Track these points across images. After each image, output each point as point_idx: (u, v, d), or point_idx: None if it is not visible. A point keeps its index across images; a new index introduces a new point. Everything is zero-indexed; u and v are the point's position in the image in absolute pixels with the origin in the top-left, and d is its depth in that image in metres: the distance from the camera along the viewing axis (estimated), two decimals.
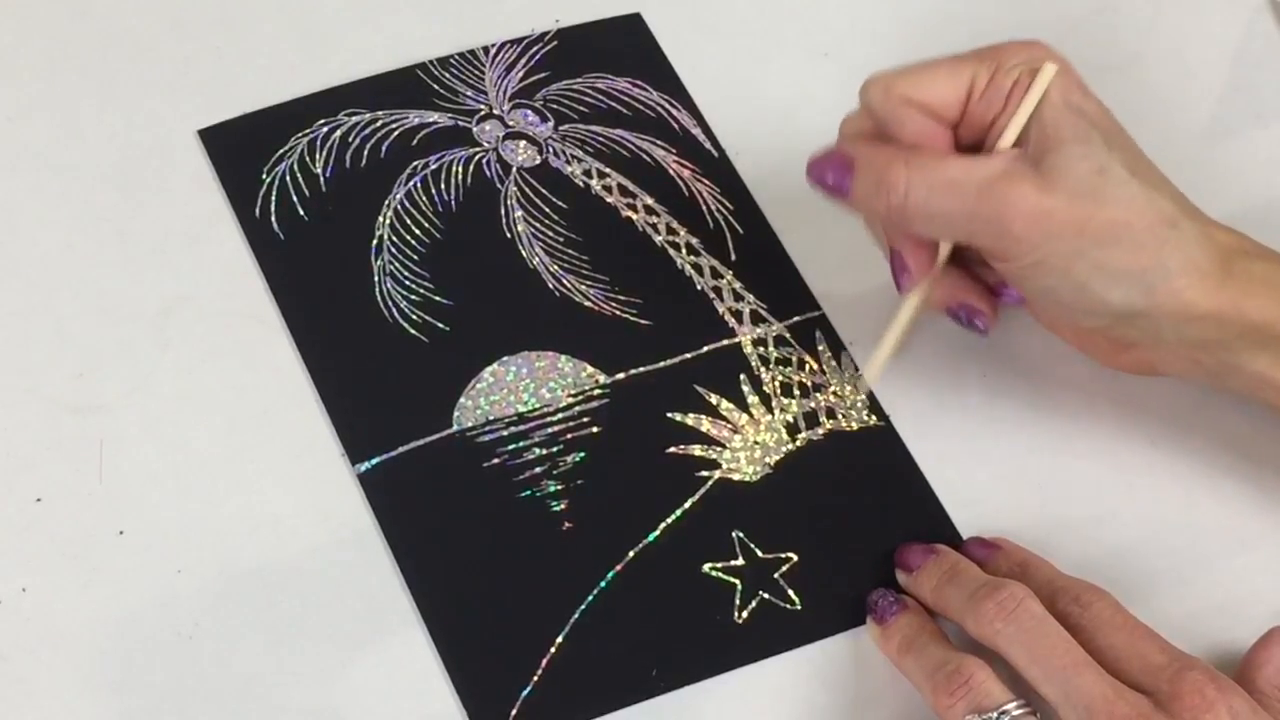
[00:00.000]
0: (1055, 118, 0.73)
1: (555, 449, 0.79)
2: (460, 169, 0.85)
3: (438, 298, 0.82)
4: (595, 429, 0.79)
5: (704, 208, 0.85)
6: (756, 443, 0.80)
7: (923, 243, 0.77)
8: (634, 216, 0.85)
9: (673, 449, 0.79)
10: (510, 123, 0.87)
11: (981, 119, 0.75)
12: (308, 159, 0.85)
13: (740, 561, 0.77)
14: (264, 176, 0.84)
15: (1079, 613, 0.72)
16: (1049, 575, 0.75)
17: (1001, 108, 0.74)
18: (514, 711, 0.73)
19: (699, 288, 0.83)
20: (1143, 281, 0.73)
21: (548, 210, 0.85)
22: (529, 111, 0.87)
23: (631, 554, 0.77)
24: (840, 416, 0.81)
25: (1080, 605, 0.72)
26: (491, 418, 0.79)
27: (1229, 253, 0.74)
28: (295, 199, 0.84)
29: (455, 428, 0.79)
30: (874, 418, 0.81)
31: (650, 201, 0.85)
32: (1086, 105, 0.74)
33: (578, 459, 0.79)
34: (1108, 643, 0.71)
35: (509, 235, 0.84)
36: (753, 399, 0.80)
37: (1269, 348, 0.74)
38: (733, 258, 0.84)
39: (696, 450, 0.79)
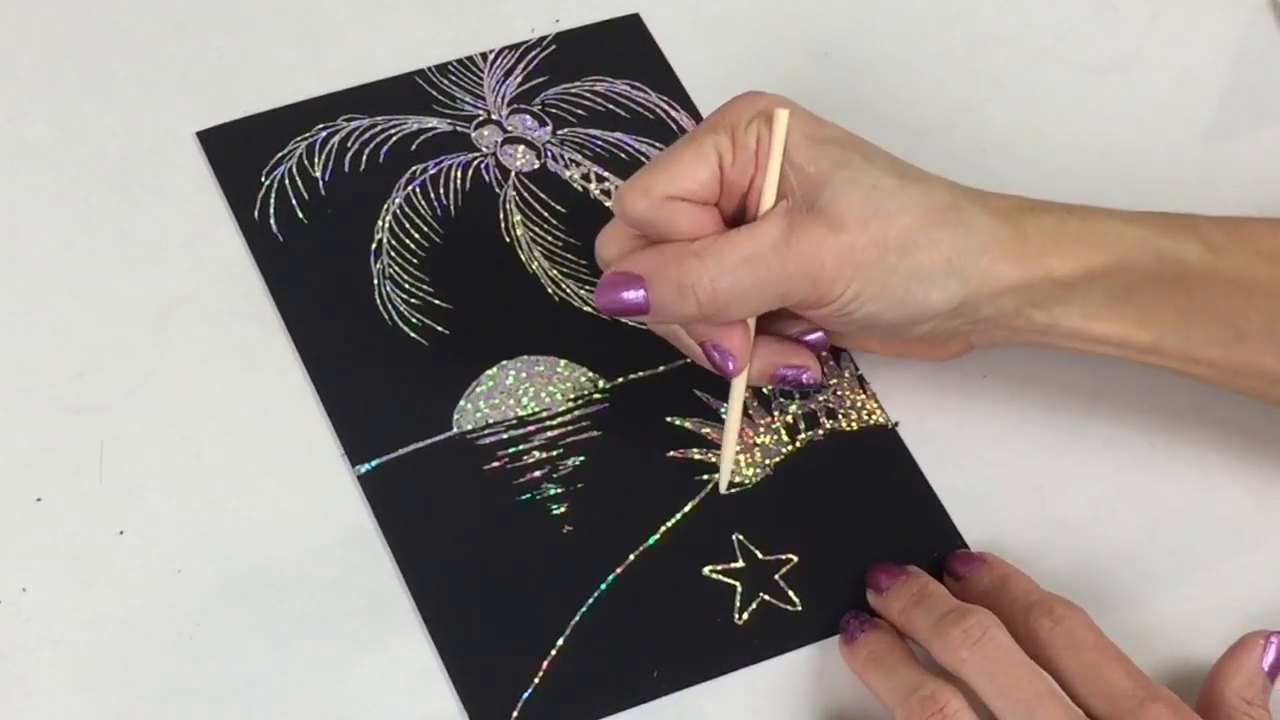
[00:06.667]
0: (809, 156, 0.72)
1: (555, 452, 0.79)
2: (459, 174, 0.85)
3: (437, 301, 0.82)
4: (595, 432, 0.79)
5: None
6: (756, 445, 0.80)
7: (733, 324, 0.74)
8: None
9: (673, 452, 0.79)
10: (509, 128, 0.87)
11: (740, 185, 0.73)
12: (306, 163, 0.85)
13: (740, 563, 0.77)
14: (263, 179, 0.84)
15: (1050, 627, 0.72)
16: (1026, 589, 0.74)
17: (754, 168, 0.73)
18: (515, 714, 0.73)
19: None
20: (954, 271, 0.72)
21: (546, 215, 0.85)
22: (527, 116, 0.87)
23: (632, 557, 0.77)
24: (840, 417, 0.81)
25: (1053, 619, 0.72)
26: (491, 421, 0.79)
27: (1014, 214, 0.73)
28: (294, 202, 0.84)
29: (454, 430, 0.79)
30: (880, 417, 0.81)
31: None
32: (829, 133, 0.73)
33: (578, 462, 0.79)
34: (1076, 661, 0.71)
35: (508, 239, 0.84)
36: (752, 401, 0.80)
37: (1075, 299, 0.74)
38: None
39: (696, 453, 0.79)
